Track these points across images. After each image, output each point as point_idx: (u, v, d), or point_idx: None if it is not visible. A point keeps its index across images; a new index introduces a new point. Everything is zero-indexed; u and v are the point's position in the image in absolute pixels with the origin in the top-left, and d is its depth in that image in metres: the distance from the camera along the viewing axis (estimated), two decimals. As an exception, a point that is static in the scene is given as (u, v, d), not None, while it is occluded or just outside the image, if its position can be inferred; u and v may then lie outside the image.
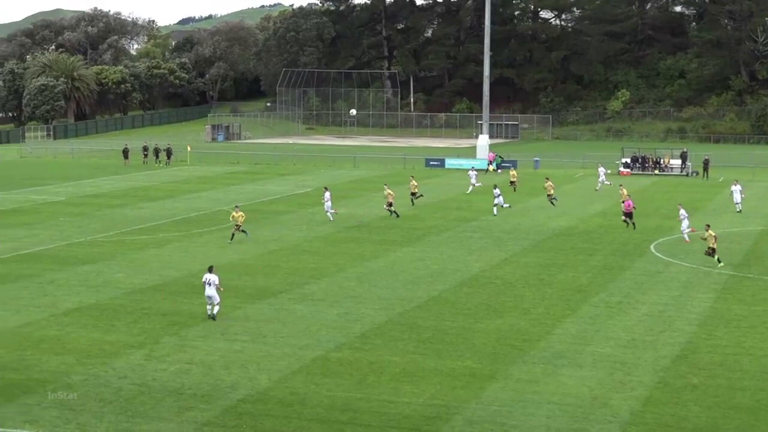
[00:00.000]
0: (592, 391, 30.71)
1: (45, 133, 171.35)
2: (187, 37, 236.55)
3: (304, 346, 35.71)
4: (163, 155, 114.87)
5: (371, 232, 63.30)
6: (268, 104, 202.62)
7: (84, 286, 46.00)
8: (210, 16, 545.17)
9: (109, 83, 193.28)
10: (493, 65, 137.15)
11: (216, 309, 39.33)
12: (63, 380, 31.55)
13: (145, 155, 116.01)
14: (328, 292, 44.90)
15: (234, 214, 58.33)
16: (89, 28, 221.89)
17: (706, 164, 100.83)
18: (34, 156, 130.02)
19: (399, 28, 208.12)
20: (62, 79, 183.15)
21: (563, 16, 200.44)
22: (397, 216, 68.36)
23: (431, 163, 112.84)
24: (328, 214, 67.50)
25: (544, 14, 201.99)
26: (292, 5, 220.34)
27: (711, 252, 50.94)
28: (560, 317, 40.21)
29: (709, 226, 52.15)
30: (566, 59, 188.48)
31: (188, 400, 29.82)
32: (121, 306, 41.99)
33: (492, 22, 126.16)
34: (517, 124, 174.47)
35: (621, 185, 74.60)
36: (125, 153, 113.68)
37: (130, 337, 36.77)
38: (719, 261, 50.75)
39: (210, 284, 39.17)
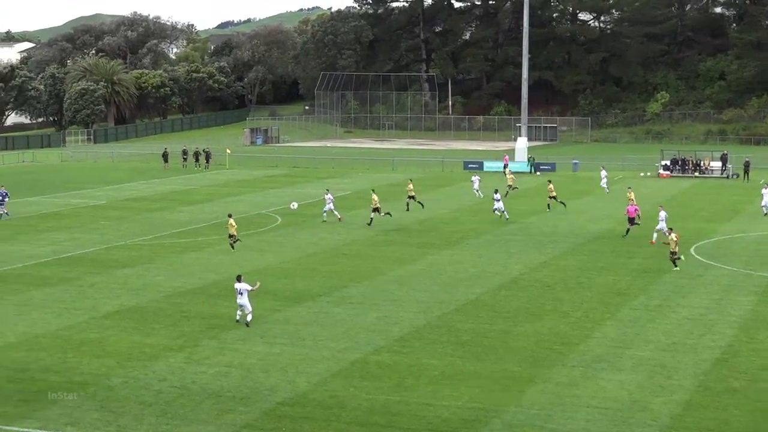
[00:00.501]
0: (632, 395, 30.58)
1: (85, 137, 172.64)
2: (225, 41, 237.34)
3: (342, 349, 35.78)
4: (202, 159, 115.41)
5: (410, 235, 63.28)
6: (307, 107, 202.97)
7: (124, 289, 46.30)
8: (249, 20, 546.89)
9: (149, 87, 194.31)
10: (531, 67, 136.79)
11: (249, 318, 39.20)
12: (103, 383, 31.77)
13: (185, 159, 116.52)
14: (366, 296, 44.95)
15: (232, 222, 56.97)
16: (129, 33, 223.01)
17: (746, 166, 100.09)
18: (74, 160, 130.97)
19: (437, 30, 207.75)
20: (102, 83, 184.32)
21: (602, 18, 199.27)
22: (390, 215, 67.88)
23: (470, 166, 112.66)
24: (324, 214, 68.29)
25: (583, 16, 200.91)
26: (330, 8, 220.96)
27: (672, 255, 50.71)
28: (600, 320, 40.07)
29: (672, 229, 51.94)
30: (605, 61, 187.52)
31: (227, 402, 29.95)
32: (160, 309, 42.24)
33: (530, 25, 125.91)
34: (556, 127, 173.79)
35: (629, 188, 72.70)
36: (165, 157, 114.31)
37: (170, 340, 36.98)
38: (675, 264, 50.56)
39: (242, 293, 39.06)
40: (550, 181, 76.97)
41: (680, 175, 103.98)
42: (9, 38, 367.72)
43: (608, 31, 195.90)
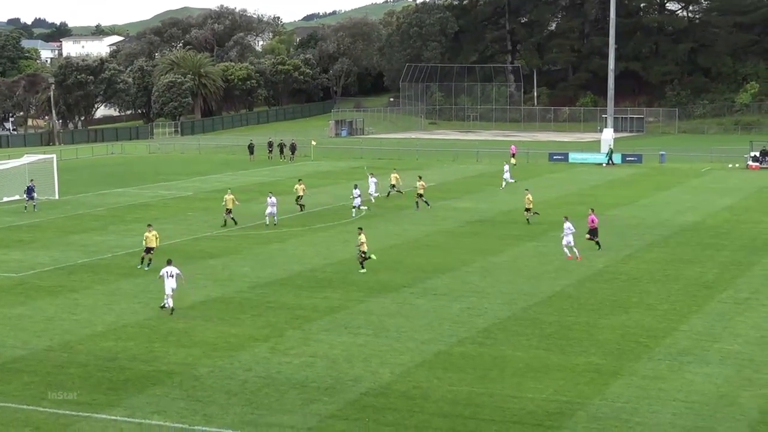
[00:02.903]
0: (720, 389, 30.20)
1: (172, 129, 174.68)
2: (311, 34, 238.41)
3: (426, 340, 35.81)
4: (287, 151, 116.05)
5: (494, 226, 63.11)
6: (392, 99, 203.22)
7: (210, 280, 46.77)
8: (334, 12, 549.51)
9: (235, 80, 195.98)
10: (618, 58, 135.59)
11: (171, 302, 40.18)
12: (190, 372, 32.15)
13: (270, 151, 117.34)
14: (450, 287, 44.92)
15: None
16: (216, 26, 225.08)
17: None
18: (162, 152, 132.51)
19: (522, 21, 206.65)
20: (189, 76, 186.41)
21: (690, 8, 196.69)
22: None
23: (555, 157, 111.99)
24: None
25: (671, 6, 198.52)
26: (415, 0, 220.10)
27: (361, 258, 48.90)
28: (686, 313, 39.62)
29: (361, 229, 50.21)
30: (693, 51, 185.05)
31: (312, 392, 30.14)
32: (246, 300, 42.62)
33: (617, 15, 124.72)
34: (643, 118, 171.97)
35: (527, 190, 67.63)
36: (251, 148, 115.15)
37: (255, 330, 37.29)
38: (362, 266, 48.65)
39: (171, 276, 39.99)
40: (420, 177, 73.60)
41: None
42: (99, 32, 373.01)
43: (697, 21, 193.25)
